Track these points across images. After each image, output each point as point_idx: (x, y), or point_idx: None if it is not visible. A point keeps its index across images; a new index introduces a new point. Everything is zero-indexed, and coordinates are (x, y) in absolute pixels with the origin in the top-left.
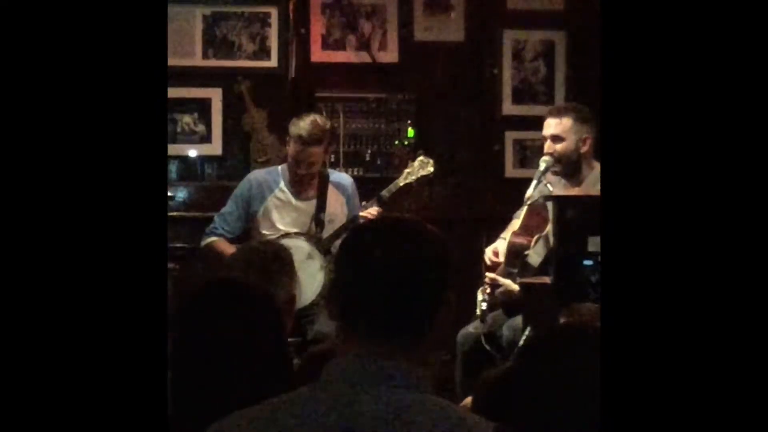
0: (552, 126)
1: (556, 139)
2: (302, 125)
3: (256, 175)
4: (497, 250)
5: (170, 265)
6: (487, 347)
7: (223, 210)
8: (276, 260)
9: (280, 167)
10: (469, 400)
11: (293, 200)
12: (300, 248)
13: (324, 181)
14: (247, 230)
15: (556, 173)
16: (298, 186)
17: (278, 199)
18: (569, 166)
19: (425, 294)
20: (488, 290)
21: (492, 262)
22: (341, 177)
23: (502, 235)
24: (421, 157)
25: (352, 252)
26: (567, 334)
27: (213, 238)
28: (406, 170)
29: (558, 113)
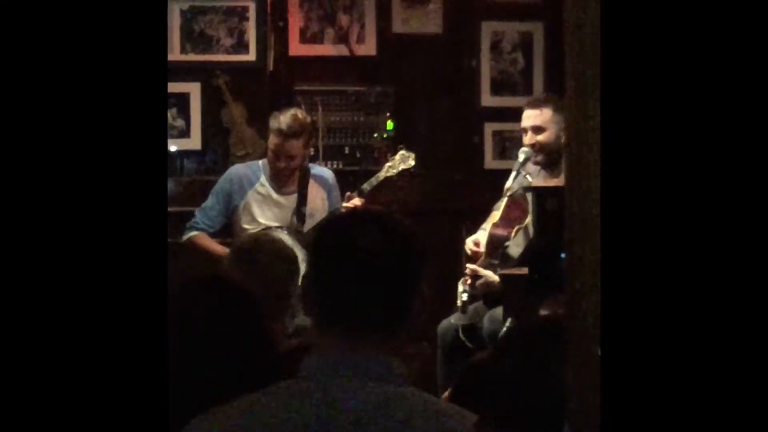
0: (532, 117)
1: (537, 130)
2: (282, 119)
3: (237, 169)
4: (478, 240)
5: None
6: (464, 339)
7: (204, 204)
8: (281, 256)
9: (260, 161)
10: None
11: (274, 194)
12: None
13: (305, 175)
14: (227, 224)
15: (537, 164)
16: (278, 180)
17: (259, 193)
18: (550, 157)
19: (398, 285)
20: (469, 281)
21: (473, 252)
22: (322, 171)
23: (483, 226)
24: (402, 151)
25: (323, 244)
26: (547, 326)
27: (194, 233)
28: (387, 164)
29: (538, 104)
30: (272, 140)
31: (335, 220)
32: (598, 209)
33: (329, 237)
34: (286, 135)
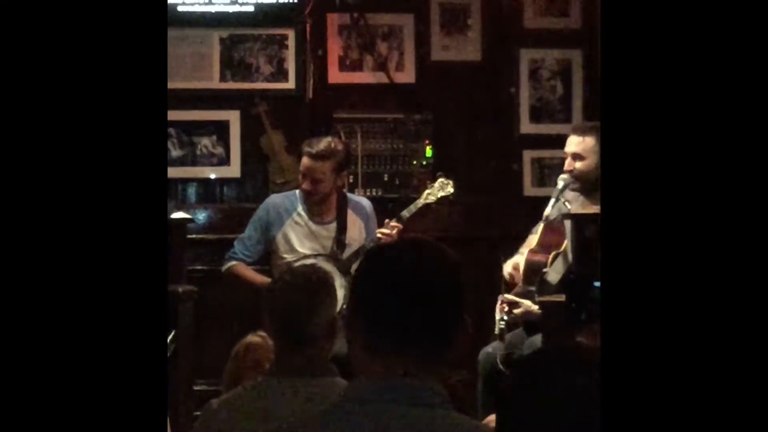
0: (574, 144)
1: (577, 157)
2: (313, 142)
3: (274, 199)
4: (517, 264)
5: (190, 288)
6: (503, 368)
7: (242, 235)
8: (320, 283)
9: (297, 191)
10: (491, 417)
11: (311, 224)
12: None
13: (343, 203)
14: (266, 254)
15: (575, 190)
16: (315, 209)
17: (296, 223)
18: (588, 185)
19: (443, 312)
20: (506, 309)
21: (510, 277)
22: (360, 200)
23: (520, 250)
24: (441, 179)
25: (371, 272)
26: (563, 354)
27: (233, 263)
28: (426, 191)
29: (581, 132)
30: (302, 162)
31: (382, 249)
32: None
33: (378, 265)
34: (313, 157)
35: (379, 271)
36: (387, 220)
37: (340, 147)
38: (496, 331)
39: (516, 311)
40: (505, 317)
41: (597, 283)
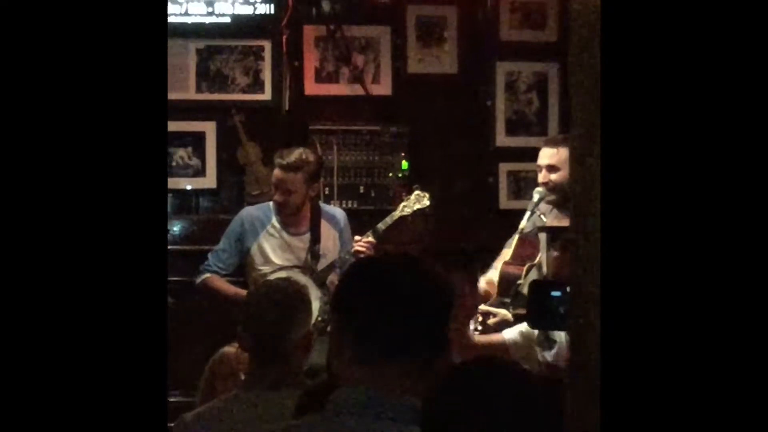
0: (548, 156)
1: (551, 169)
2: (285, 153)
3: (249, 211)
4: (491, 280)
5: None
6: None
7: (217, 247)
8: (296, 297)
9: (271, 203)
10: None
11: (285, 236)
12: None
13: (317, 214)
14: (241, 266)
15: (550, 203)
16: (288, 220)
17: (271, 234)
18: (564, 197)
19: (428, 327)
20: (480, 319)
21: (486, 292)
22: (334, 210)
23: (494, 264)
24: (417, 191)
25: (361, 286)
26: (485, 366)
27: (207, 275)
28: (402, 203)
29: (555, 143)
30: (274, 173)
31: (367, 264)
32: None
33: (367, 278)
34: (285, 168)
35: (368, 285)
36: (357, 237)
37: (312, 158)
38: None
39: (490, 321)
40: (479, 327)
41: (554, 293)
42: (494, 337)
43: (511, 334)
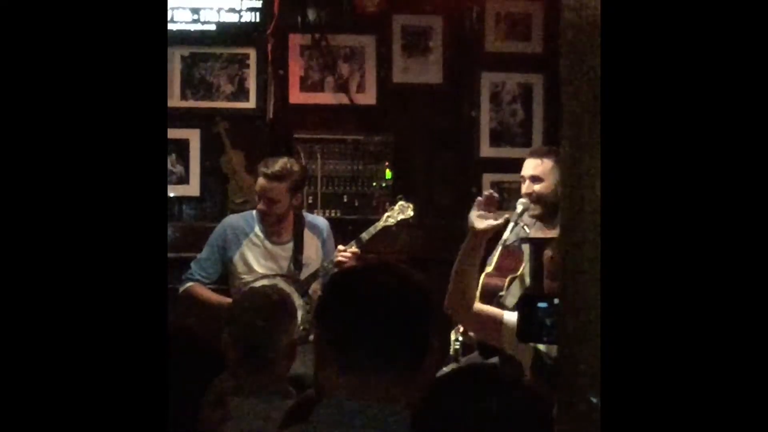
0: (532, 167)
1: (535, 179)
2: (269, 162)
3: (231, 220)
4: None
5: None
6: None
7: (200, 256)
8: (281, 304)
9: (254, 211)
10: None
11: (268, 244)
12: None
13: (299, 223)
14: (224, 275)
15: (534, 216)
16: (271, 229)
17: (253, 243)
18: (547, 208)
19: (413, 337)
20: (461, 328)
21: None
22: (316, 219)
23: None
24: (401, 202)
25: (341, 296)
26: (477, 374)
27: (190, 284)
28: (386, 213)
29: (539, 154)
30: (258, 182)
31: (349, 272)
32: (592, 258)
33: (346, 288)
34: (269, 177)
35: (347, 295)
36: (339, 246)
37: (296, 167)
38: (451, 351)
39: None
40: (461, 338)
41: (541, 304)
42: (493, 310)
43: (510, 316)
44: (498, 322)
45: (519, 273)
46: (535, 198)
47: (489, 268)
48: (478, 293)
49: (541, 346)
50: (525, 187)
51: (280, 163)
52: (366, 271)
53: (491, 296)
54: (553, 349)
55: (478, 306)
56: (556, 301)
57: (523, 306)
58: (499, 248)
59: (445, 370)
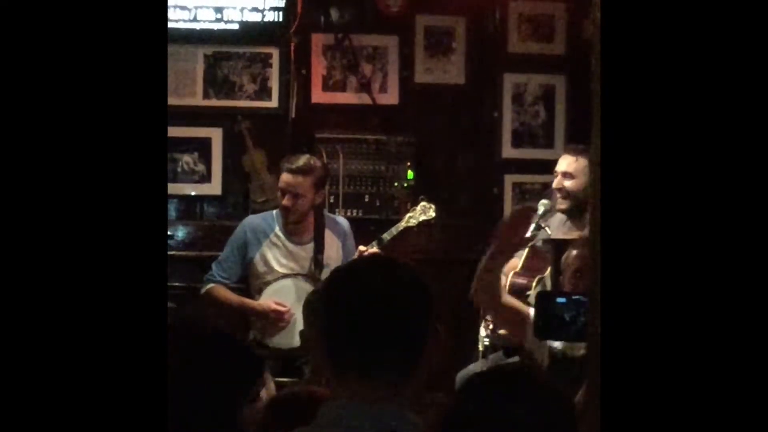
0: (566, 163)
1: (567, 176)
2: (292, 158)
3: (251, 220)
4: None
5: (169, 304)
6: None
7: (220, 257)
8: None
9: (274, 212)
10: None
11: (288, 244)
12: (301, 288)
13: (320, 223)
14: (245, 275)
15: (562, 211)
16: (292, 228)
17: (273, 243)
18: (576, 206)
19: (408, 330)
20: (491, 326)
21: None
22: (337, 219)
23: (504, 271)
24: (423, 202)
25: (334, 293)
26: (503, 377)
27: (211, 285)
28: (408, 214)
29: (576, 152)
30: (281, 178)
31: (344, 270)
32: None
33: (340, 285)
34: (293, 171)
35: (342, 291)
36: (360, 247)
37: (318, 164)
38: (480, 348)
39: (499, 332)
40: (490, 334)
41: (560, 299)
42: (520, 305)
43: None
44: (523, 317)
45: (546, 274)
46: (565, 194)
47: (517, 267)
48: (506, 292)
49: (558, 344)
50: (556, 182)
51: (303, 159)
52: (360, 268)
53: (519, 295)
54: (571, 348)
55: (507, 299)
56: (578, 297)
57: (540, 301)
58: (526, 248)
59: (471, 367)
